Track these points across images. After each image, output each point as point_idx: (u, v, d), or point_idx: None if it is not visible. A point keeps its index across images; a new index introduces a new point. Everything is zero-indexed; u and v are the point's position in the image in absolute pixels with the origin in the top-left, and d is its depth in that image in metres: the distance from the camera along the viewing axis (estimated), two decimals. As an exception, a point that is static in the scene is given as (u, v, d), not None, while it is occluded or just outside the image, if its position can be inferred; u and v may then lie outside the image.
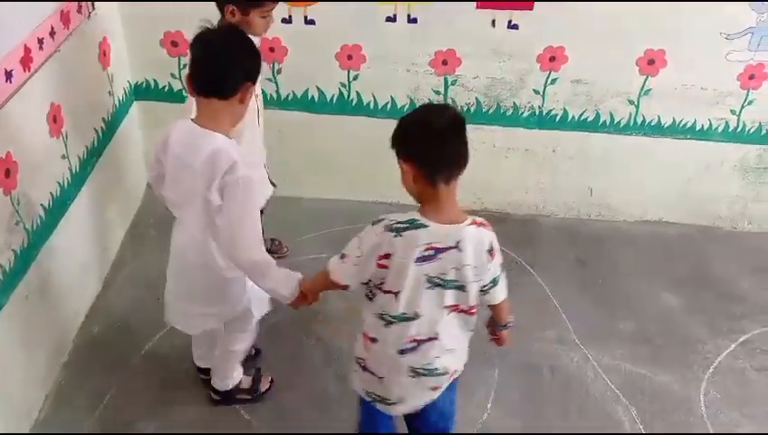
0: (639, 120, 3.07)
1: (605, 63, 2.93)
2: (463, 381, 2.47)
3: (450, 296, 1.71)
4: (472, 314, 1.80)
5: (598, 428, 2.37)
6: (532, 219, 3.35)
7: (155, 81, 3.11)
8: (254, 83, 1.88)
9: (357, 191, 3.34)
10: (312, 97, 3.10)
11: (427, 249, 1.63)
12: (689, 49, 2.88)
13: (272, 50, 2.97)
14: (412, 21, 2.86)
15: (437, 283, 1.68)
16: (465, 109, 3.07)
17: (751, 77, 2.94)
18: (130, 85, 3.09)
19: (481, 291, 1.75)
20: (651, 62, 2.92)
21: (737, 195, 3.27)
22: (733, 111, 3.04)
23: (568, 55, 2.91)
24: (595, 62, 2.92)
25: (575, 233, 3.29)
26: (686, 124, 3.07)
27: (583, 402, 2.46)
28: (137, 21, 2.94)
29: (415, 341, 1.75)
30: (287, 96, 3.11)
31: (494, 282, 1.77)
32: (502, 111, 3.08)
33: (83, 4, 2.58)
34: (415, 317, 1.71)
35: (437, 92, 3.05)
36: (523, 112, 3.08)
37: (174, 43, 2.99)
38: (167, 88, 3.12)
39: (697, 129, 3.08)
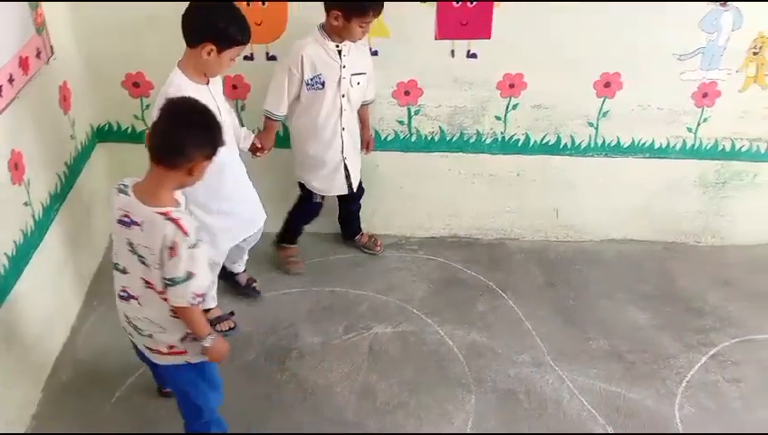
0: (600, 142, 3.14)
1: (563, 88, 2.99)
2: (441, 408, 2.51)
3: (141, 269, 1.89)
4: (163, 298, 1.90)
5: (576, 449, 2.38)
6: (501, 243, 3.39)
7: (117, 122, 3.10)
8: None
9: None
10: (278, 132, 3.10)
11: (124, 215, 1.86)
12: (644, 71, 2.96)
13: (234, 87, 2.99)
14: (373, 54, 2.90)
15: (132, 250, 1.88)
16: (429, 138, 3.12)
17: (704, 95, 3.03)
18: (92, 128, 3.07)
19: (165, 283, 1.86)
20: (608, 85, 2.99)
21: (699, 210, 3.35)
22: (689, 129, 3.12)
23: (527, 82, 2.97)
24: (553, 87, 2.99)
25: (543, 255, 3.33)
26: (644, 143, 3.14)
27: (560, 424, 2.47)
28: (97, 63, 2.93)
29: (125, 291, 1.98)
30: (252, 132, 3.11)
31: (172, 282, 1.84)
32: (465, 139, 3.13)
33: (42, 49, 2.56)
34: (124, 272, 1.95)
35: (401, 122, 3.09)
36: (486, 139, 3.13)
37: (136, 84, 2.98)
38: (130, 129, 3.10)
39: (656, 147, 3.15)
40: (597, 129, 3.11)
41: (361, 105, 2.86)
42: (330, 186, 2.92)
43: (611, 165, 3.19)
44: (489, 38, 2.88)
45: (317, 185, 2.92)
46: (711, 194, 3.30)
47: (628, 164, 3.20)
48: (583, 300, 3.05)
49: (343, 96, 2.71)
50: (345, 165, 2.85)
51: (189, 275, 1.82)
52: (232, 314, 2.82)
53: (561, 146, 3.15)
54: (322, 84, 2.66)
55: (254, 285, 3.00)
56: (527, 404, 2.54)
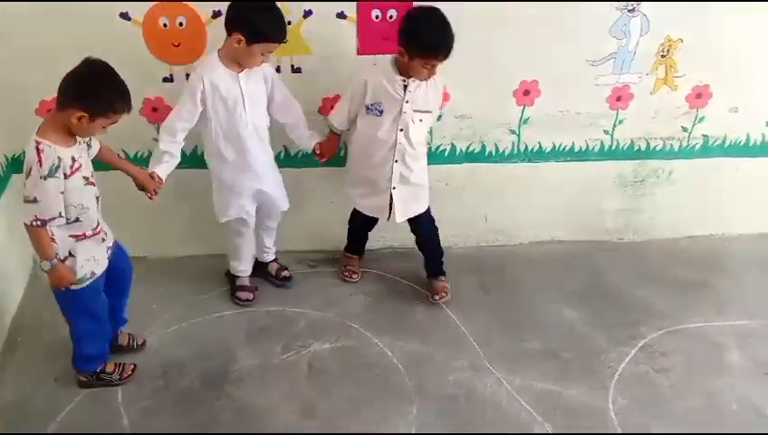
0: (522, 148, 3.23)
1: (485, 97, 3.07)
2: (383, 420, 2.51)
3: None
4: None
5: (518, 449, 2.42)
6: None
7: (34, 151, 2.98)
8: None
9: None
10: (202, 153, 3.05)
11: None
12: (560, 78, 3.06)
13: (154, 109, 2.93)
14: (296, 71, 2.90)
15: None
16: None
17: (618, 99, 3.16)
18: (7, 159, 2.95)
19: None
20: (527, 93, 3.09)
21: (620, 208, 3.48)
22: (606, 132, 3.25)
23: (449, 93, 3.02)
24: (475, 97, 3.06)
25: (476, 261, 3.38)
26: (565, 147, 3.25)
27: (501, 426, 2.50)
28: (10, 92, 2.82)
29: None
30: (182, 153, 3.05)
31: (24, 199, 2.16)
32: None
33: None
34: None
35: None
36: (413, 150, 3.17)
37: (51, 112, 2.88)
38: (47, 157, 2.99)
39: (576, 150, 3.27)
40: (519, 136, 3.20)
41: None
42: (369, 205, 2.98)
43: (535, 170, 3.29)
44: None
45: (359, 201, 3.00)
46: (630, 192, 3.44)
47: (551, 168, 3.30)
48: (517, 302, 3.11)
49: (401, 130, 2.72)
50: (392, 194, 2.86)
51: (34, 199, 2.12)
52: (256, 288, 3.07)
53: (487, 154, 3.22)
54: (380, 112, 2.70)
55: (284, 273, 3.16)
56: (468, 409, 2.57)
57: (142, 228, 3.15)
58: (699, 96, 3.21)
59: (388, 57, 2.69)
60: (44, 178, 2.09)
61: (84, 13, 2.70)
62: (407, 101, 2.67)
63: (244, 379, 2.65)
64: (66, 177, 2.16)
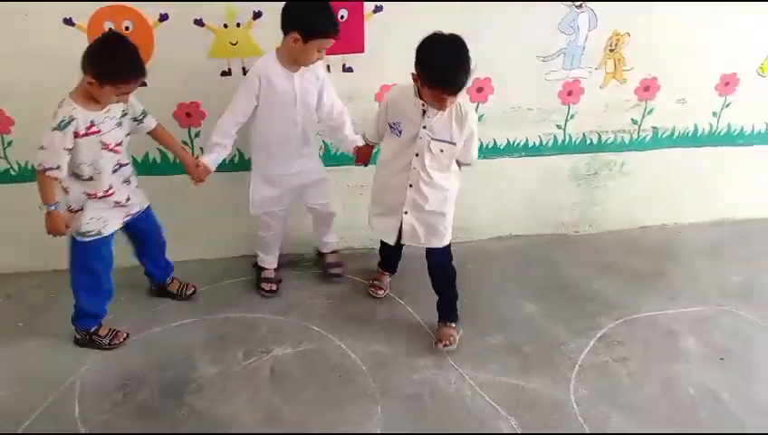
0: (477, 145, 3.24)
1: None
2: (348, 422, 2.49)
3: None
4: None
5: (483, 445, 2.43)
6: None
7: (-25, 163, 2.89)
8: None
9: (218, 249, 3.30)
10: (154, 159, 3.00)
11: None
12: (512, 74, 3.10)
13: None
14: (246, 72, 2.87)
15: None
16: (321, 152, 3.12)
17: (569, 93, 3.21)
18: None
19: None
20: (480, 90, 3.11)
21: (574, 201, 3.54)
22: (558, 126, 3.30)
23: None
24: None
25: (436, 258, 3.39)
26: (519, 143, 3.28)
27: (465, 422, 2.51)
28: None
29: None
30: (144, 160, 3.01)
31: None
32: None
33: None
34: None
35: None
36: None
37: (-5, 122, 2.80)
38: (-9, 169, 2.91)
39: (530, 146, 3.31)
40: (474, 132, 3.21)
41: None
42: (379, 226, 2.86)
43: (490, 166, 3.31)
44: (363, 51, 2.92)
45: (372, 220, 2.89)
46: (584, 185, 3.50)
47: (507, 164, 3.33)
48: (478, 298, 3.13)
49: (416, 155, 2.59)
50: (403, 219, 2.72)
51: (42, 147, 2.35)
52: (280, 280, 3.15)
53: (443, 151, 3.23)
54: (400, 133, 2.61)
55: (335, 270, 3.21)
56: (432, 406, 2.57)
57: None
58: (647, 89, 3.28)
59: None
60: (52, 129, 2.34)
61: (30, 19, 2.64)
62: (423, 127, 2.53)
63: (206, 388, 2.61)
64: (78, 135, 2.38)
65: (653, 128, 3.40)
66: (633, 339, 2.91)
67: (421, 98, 2.48)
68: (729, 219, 3.77)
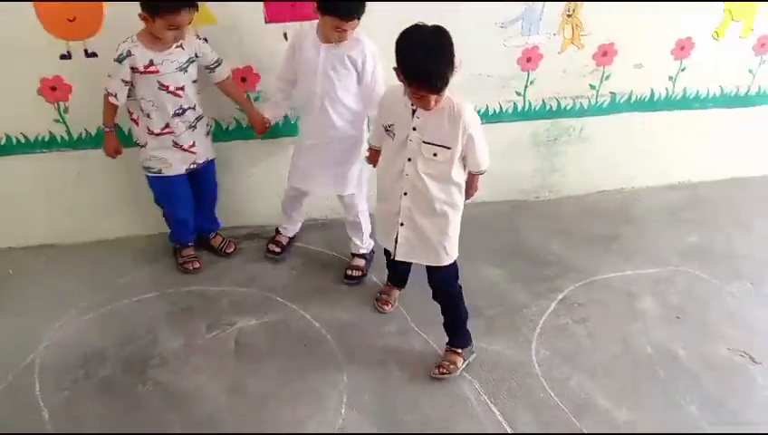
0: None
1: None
2: (314, 391, 2.51)
3: None
4: None
5: (448, 407, 2.47)
6: (358, 221, 3.42)
7: None
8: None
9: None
10: (99, 134, 2.93)
11: None
12: (471, 41, 3.06)
13: (53, 89, 2.78)
14: (204, 41, 2.80)
15: None
16: (279, 124, 3.07)
17: (528, 60, 3.21)
18: None
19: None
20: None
21: (535, 168, 3.57)
22: (518, 93, 3.31)
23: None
24: (383, 64, 3.03)
25: (399, 227, 3.40)
26: (480, 110, 3.28)
27: (430, 387, 2.54)
28: None
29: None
30: (80, 135, 2.93)
31: None
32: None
33: None
34: None
35: (242, 110, 3.01)
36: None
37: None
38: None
39: (490, 113, 3.31)
40: (434, 100, 3.20)
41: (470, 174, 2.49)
42: (379, 234, 2.65)
43: (452, 133, 3.31)
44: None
45: (375, 229, 2.70)
46: (544, 152, 3.53)
47: (468, 131, 3.33)
48: (440, 265, 3.15)
49: (409, 159, 2.32)
50: (398, 231, 2.47)
51: (108, 75, 2.58)
52: (288, 245, 3.20)
53: (403, 119, 3.22)
54: (393, 135, 2.35)
55: (350, 272, 3.07)
56: (398, 372, 2.60)
57: (48, 214, 3.02)
58: (605, 54, 3.30)
59: None
60: (113, 61, 2.55)
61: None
62: (413, 128, 2.28)
63: (169, 361, 2.59)
64: (136, 71, 2.56)
65: (611, 93, 3.43)
66: (592, 301, 2.97)
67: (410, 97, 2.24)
68: (685, 183, 3.85)
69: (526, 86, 3.30)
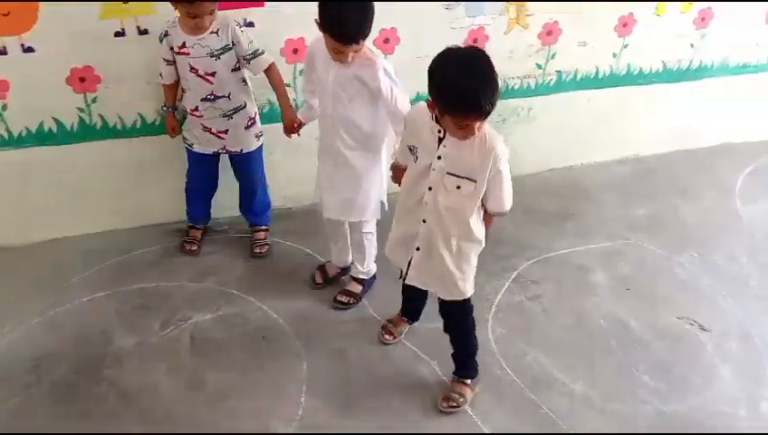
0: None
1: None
2: (274, 382, 2.50)
3: None
4: None
5: (407, 389, 2.48)
6: (314, 210, 3.35)
7: None
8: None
9: (124, 219, 3.15)
10: (50, 129, 2.85)
11: None
12: (417, 24, 3.08)
13: (-12, 86, 2.69)
14: (143, 33, 2.74)
15: None
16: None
17: (474, 41, 3.22)
18: None
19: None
20: (387, 41, 3.08)
21: (486, 148, 3.59)
22: (466, 74, 3.31)
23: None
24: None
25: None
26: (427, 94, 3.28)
27: (389, 371, 2.56)
28: None
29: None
30: (20, 133, 2.84)
31: None
32: (267, 109, 3.06)
33: None
34: None
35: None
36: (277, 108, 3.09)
37: None
38: None
39: (439, 95, 3.31)
40: (382, 84, 3.19)
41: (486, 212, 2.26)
42: (391, 252, 2.43)
43: (402, 117, 3.30)
44: (264, 6, 2.84)
45: (388, 246, 2.44)
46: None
47: (417, 114, 3.33)
48: (396, 250, 3.15)
49: (429, 188, 2.14)
50: (413, 255, 2.31)
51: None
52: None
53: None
54: (416, 158, 2.17)
55: (340, 297, 2.84)
56: (356, 359, 2.60)
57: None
58: (550, 33, 3.33)
59: None
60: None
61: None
62: (438, 157, 2.08)
63: (123, 360, 2.55)
64: (173, 50, 2.63)
65: (557, 72, 3.48)
66: (546, 277, 3.02)
67: (438, 123, 2.06)
68: (632, 157, 3.93)
69: (474, 67, 3.30)
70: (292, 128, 2.72)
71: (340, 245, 2.88)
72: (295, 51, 2.98)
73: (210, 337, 2.67)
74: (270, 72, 2.74)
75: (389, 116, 2.46)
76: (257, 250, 3.09)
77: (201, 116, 2.74)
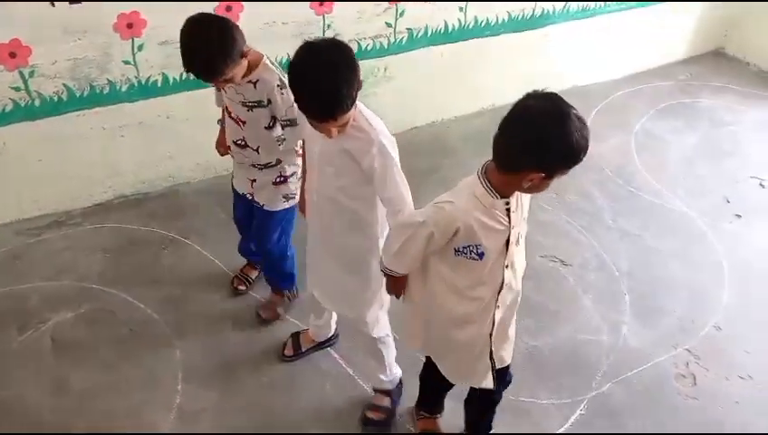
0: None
1: (183, 20, 2.89)
2: (147, 373, 2.40)
3: None
4: None
5: (291, 365, 2.47)
6: (173, 191, 3.28)
7: None
8: None
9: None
10: None
11: None
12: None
13: None
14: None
15: None
16: (56, 99, 2.81)
17: (321, 4, 3.17)
18: None
19: None
20: (229, 9, 2.97)
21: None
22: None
23: (145, 19, 2.80)
24: (176, 20, 2.85)
25: (219, 191, 3.26)
26: (281, 59, 3.21)
27: (273, 344, 2.53)
28: None
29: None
30: None
31: None
32: (98, 91, 2.89)
33: None
34: None
35: (18, 89, 2.73)
36: (121, 87, 2.92)
37: None
38: None
39: (285, 62, 3.25)
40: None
41: None
42: (465, 372, 2.03)
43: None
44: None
45: (448, 367, 2.05)
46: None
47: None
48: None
49: (507, 266, 1.82)
50: (491, 350, 1.96)
51: None
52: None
53: (203, 78, 3.08)
54: (480, 256, 1.78)
55: (369, 414, 2.32)
56: (234, 338, 2.55)
57: None
58: (394, -9, 3.35)
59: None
60: None
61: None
62: (513, 226, 1.79)
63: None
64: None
65: (408, 29, 3.49)
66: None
67: (503, 195, 1.76)
68: (489, 108, 4.05)
69: (324, 31, 3.27)
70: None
71: (325, 318, 2.47)
72: (130, 25, 2.80)
73: (73, 336, 2.53)
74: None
75: (383, 203, 2.01)
76: (237, 285, 2.78)
77: (233, 156, 2.47)
